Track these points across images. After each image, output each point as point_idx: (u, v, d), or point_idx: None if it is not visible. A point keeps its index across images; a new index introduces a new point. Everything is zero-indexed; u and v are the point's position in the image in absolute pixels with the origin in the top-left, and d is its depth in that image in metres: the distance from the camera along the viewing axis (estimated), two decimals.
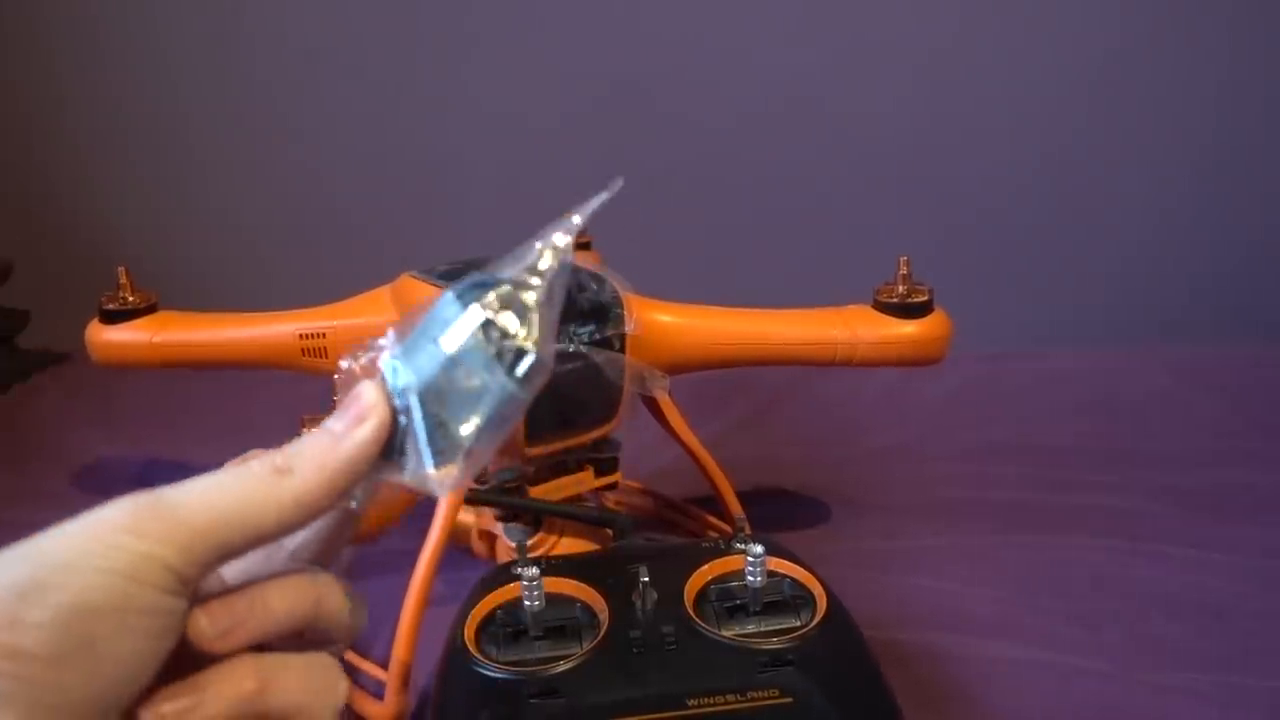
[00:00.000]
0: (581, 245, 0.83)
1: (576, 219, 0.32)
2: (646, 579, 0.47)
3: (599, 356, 0.57)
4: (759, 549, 0.47)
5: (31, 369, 1.05)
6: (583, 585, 0.48)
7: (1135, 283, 1.32)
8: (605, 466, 0.64)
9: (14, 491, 0.81)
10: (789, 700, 0.41)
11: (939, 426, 0.89)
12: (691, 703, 0.41)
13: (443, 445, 0.30)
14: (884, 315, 0.63)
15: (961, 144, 1.28)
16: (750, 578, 0.46)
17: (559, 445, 0.59)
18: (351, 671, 0.56)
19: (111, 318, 0.71)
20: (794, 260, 1.30)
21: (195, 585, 0.28)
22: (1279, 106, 1.25)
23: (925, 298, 0.63)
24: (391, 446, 0.31)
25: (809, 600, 0.47)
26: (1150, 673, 0.55)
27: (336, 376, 0.32)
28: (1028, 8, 1.23)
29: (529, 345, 0.30)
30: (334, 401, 0.31)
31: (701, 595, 0.48)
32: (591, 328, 0.57)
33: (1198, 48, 1.23)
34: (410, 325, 0.31)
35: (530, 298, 0.31)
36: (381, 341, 0.31)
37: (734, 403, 0.93)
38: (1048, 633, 0.59)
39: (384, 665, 0.54)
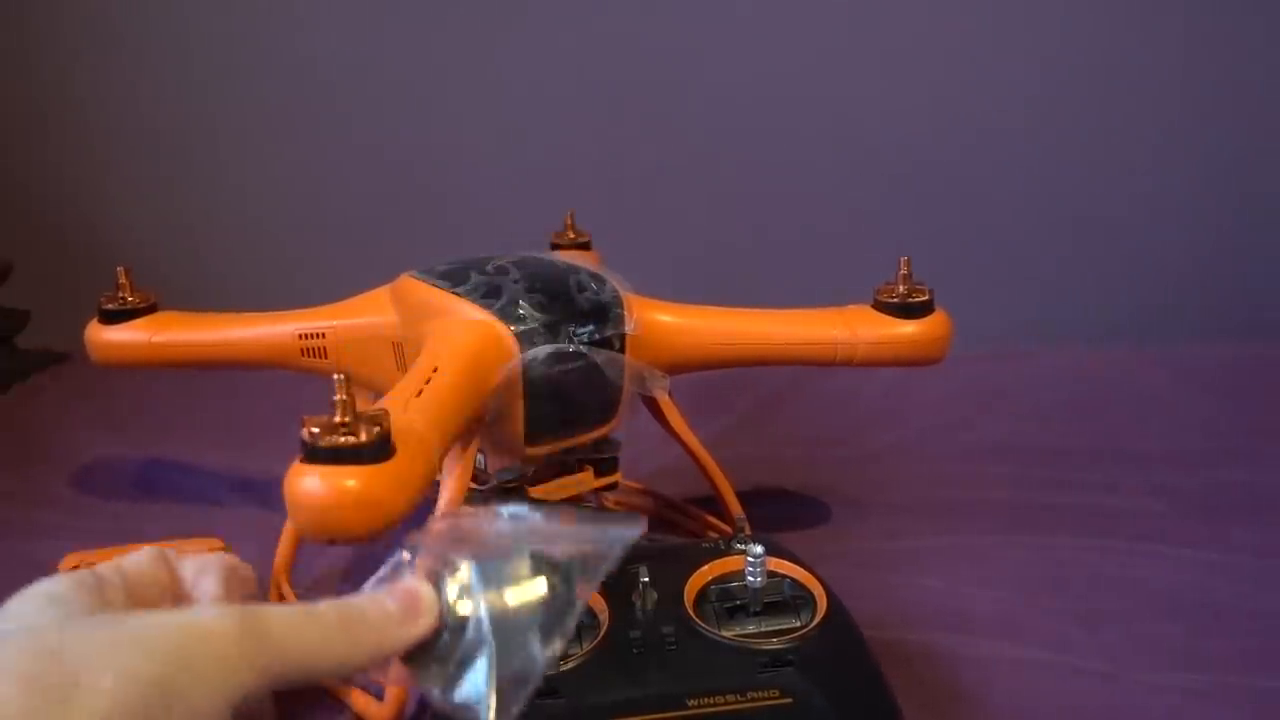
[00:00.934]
0: (581, 245, 0.83)
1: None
2: (646, 579, 0.47)
3: (599, 356, 0.57)
4: (759, 549, 0.47)
5: (31, 369, 1.05)
6: None
7: (1136, 282, 1.32)
8: (605, 466, 0.64)
9: (14, 491, 0.81)
10: (789, 700, 0.41)
11: (939, 426, 0.89)
12: (691, 703, 0.41)
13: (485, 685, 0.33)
14: (884, 315, 0.62)
15: (962, 144, 1.28)
16: (750, 578, 0.46)
17: (559, 445, 0.59)
18: None
19: (111, 318, 0.71)
20: (794, 260, 1.30)
21: None
22: (1277, 105, 1.25)
23: (926, 298, 0.63)
24: (422, 650, 0.34)
25: (809, 600, 0.47)
26: (1149, 673, 0.55)
27: (391, 562, 0.35)
28: (1027, 8, 1.23)
29: (570, 625, 0.34)
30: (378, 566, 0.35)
31: (701, 595, 0.48)
32: (591, 328, 0.57)
33: (1196, 47, 1.23)
34: (482, 551, 0.35)
35: (587, 585, 0.34)
36: (459, 561, 0.35)
37: (734, 403, 0.93)
38: (1048, 633, 0.59)
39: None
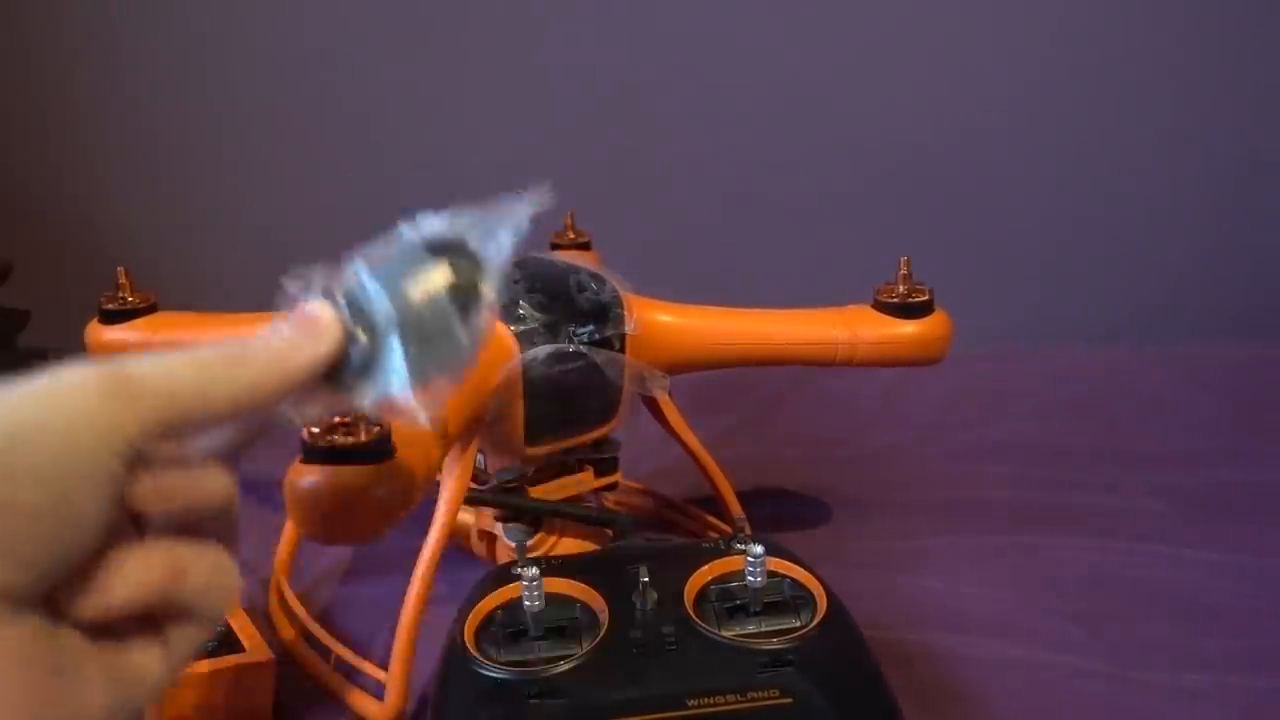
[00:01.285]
0: (581, 245, 0.83)
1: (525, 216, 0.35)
2: (646, 579, 0.47)
3: (599, 356, 0.57)
4: (759, 549, 0.47)
5: (31, 369, 1.05)
6: (583, 585, 0.48)
7: (1136, 282, 1.32)
8: (605, 466, 0.64)
9: None
10: (789, 700, 0.41)
11: (939, 426, 0.89)
12: (691, 703, 0.41)
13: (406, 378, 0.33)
14: (884, 315, 0.62)
15: (962, 144, 1.28)
16: (750, 578, 0.46)
17: (559, 445, 0.59)
18: (351, 672, 0.57)
19: (111, 318, 0.71)
20: (794, 260, 1.30)
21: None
22: (1277, 104, 1.25)
23: (926, 298, 0.62)
24: (340, 369, 0.32)
25: (809, 600, 0.47)
26: (1149, 673, 0.55)
27: (285, 295, 0.34)
28: (1029, 7, 1.23)
29: (485, 306, 0.34)
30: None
31: (701, 595, 0.48)
32: (591, 328, 0.57)
33: (1197, 46, 1.23)
34: (373, 259, 0.34)
35: (493, 260, 0.34)
36: (351, 271, 0.34)
37: (734, 403, 0.93)
38: (1048, 633, 0.59)
39: (384, 665, 0.54)
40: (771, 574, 0.48)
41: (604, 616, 0.46)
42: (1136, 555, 0.67)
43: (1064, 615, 0.61)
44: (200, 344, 0.30)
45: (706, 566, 0.49)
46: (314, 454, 0.42)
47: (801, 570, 0.49)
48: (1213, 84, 1.24)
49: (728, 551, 0.50)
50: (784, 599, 0.47)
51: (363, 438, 0.42)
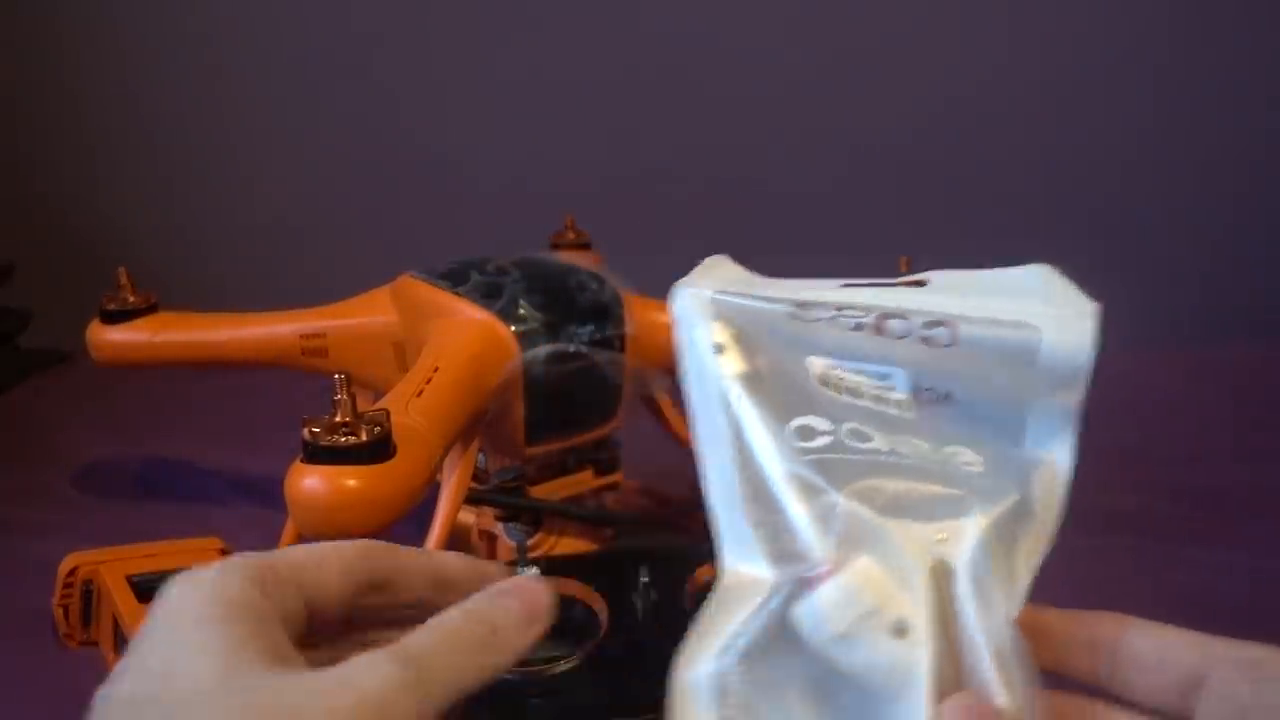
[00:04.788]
0: (581, 245, 0.83)
1: None
2: (646, 579, 0.47)
3: (599, 356, 0.57)
4: None
5: (31, 369, 1.05)
6: (583, 585, 0.48)
7: (1138, 282, 1.31)
8: (605, 466, 0.64)
9: (14, 491, 0.81)
10: None
11: None
12: None
13: None
14: None
15: (963, 144, 1.28)
16: None
17: (559, 445, 0.59)
18: None
19: (112, 318, 0.71)
20: (794, 260, 1.29)
21: None
22: None
23: None
24: None
25: None
26: None
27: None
28: (1030, 7, 1.23)
29: None
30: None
31: (701, 595, 0.48)
32: (591, 328, 0.57)
33: (1201, 45, 1.23)
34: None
35: None
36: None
37: None
38: None
39: None
40: None
41: (604, 616, 0.46)
42: (1138, 555, 0.67)
43: None
44: (455, 618, 0.30)
45: (706, 566, 0.49)
46: (314, 454, 0.42)
47: None
48: (1219, 84, 1.24)
49: None
50: None
51: (363, 438, 0.42)
